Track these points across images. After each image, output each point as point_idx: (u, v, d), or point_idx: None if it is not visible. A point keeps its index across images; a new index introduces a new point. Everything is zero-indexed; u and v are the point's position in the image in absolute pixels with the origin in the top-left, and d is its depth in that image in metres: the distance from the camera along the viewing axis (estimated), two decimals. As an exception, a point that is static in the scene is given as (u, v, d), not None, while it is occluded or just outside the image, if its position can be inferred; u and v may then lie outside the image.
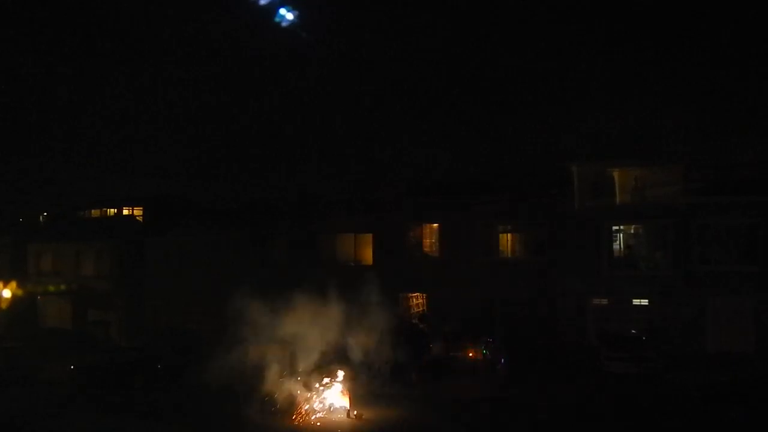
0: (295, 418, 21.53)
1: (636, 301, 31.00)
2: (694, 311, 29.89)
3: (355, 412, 21.84)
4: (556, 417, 21.83)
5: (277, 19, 21.57)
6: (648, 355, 27.03)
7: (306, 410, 21.85)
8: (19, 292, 34.64)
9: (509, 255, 33.44)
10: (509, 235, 33.65)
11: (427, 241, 34.60)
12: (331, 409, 22.15)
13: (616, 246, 31.91)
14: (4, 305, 32.51)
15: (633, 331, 29.49)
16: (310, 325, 23.32)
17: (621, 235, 32.01)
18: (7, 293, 32.34)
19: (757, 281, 29.34)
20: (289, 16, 21.53)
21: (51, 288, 38.40)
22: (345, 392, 22.48)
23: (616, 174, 31.61)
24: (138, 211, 41.54)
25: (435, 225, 34.38)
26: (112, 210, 42.11)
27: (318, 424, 21.54)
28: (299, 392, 22.43)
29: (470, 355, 30.38)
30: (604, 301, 31.41)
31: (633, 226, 32.00)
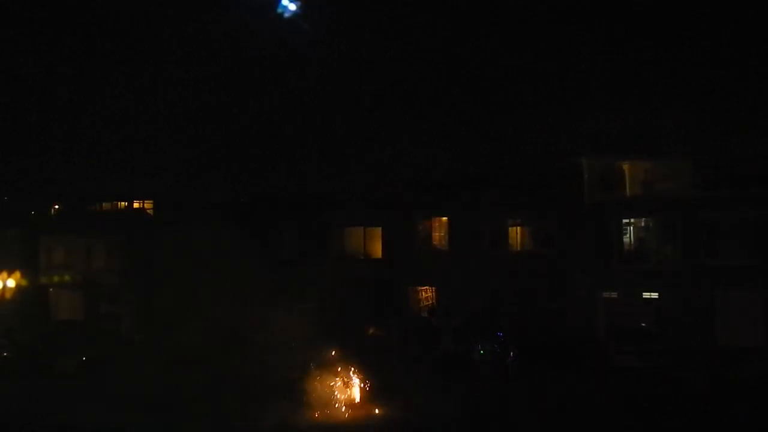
0: (307, 409, 21.51)
1: (646, 295, 30.99)
2: (702, 305, 29.95)
3: (366, 406, 21.85)
4: (562, 413, 21.79)
5: (279, 10, 21.64)
6: (656, 349, 27.02)
7: (317, 403, 21.85)
8: (24, 282, 34.62)
9: (518, 248, 33.51)
10: (518, 228, 33.71)
11: (436, 235, 34.58)
12: (342, 402, 22.13)
13: (625, 239, 31.99)
14: (8, 295, 32.52)
15: (643, 324, 29.51)
16: (319, 318, 23.35)
17: (631, 228, 32.11)
18: (11, 283, 32.30)
19: (766, 275, 29.37)
20: (292, 6, 21.61)
21: (56, 278, 38.32)
22: (357, 386, 22.48)
23: (626, 167, 31.72)
24: (149, 204, 41.54)
25: (444, 219, 34.40)
26: (122, 203, 42.10)
27: (329, 416, 21.54)
28: (311, 385, 22.45)
29: (479, 348, 30.40)
30: (614, 295, 31.44)
31: (643, 220, 32.06)
